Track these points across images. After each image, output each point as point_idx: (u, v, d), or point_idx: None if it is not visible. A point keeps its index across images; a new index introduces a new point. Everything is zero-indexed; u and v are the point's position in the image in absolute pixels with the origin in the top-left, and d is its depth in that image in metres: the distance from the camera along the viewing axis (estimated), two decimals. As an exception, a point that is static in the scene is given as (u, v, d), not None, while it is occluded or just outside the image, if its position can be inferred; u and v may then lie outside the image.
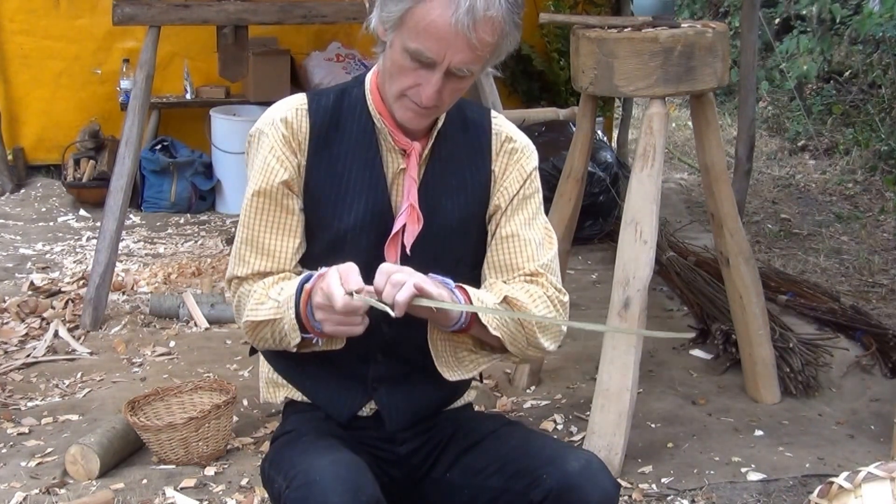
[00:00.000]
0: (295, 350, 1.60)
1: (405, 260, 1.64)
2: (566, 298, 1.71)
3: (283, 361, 1.77)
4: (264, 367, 1.83)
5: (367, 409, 1.74)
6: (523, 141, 1.76)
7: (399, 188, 1.67)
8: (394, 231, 1.65)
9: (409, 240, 1.64)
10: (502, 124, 1.76)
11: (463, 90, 1.61)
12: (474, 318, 1.57)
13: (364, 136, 1.67)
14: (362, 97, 1.68)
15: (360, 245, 1.65)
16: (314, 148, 1.66)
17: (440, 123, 1.69)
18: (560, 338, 1.72)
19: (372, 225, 1.66)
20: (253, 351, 1.86)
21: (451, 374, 1.66)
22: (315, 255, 1.68)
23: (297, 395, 1.78)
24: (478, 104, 1.82)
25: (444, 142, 1.70)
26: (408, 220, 1.64)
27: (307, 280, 1.55)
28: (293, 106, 1.68)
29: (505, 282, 1.70)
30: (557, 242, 1.77)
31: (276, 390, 1.81)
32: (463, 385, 1.83)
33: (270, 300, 1.59)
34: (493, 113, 1.77)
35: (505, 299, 1.62)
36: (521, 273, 1.69)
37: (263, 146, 1.66)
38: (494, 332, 1.59)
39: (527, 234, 1.71)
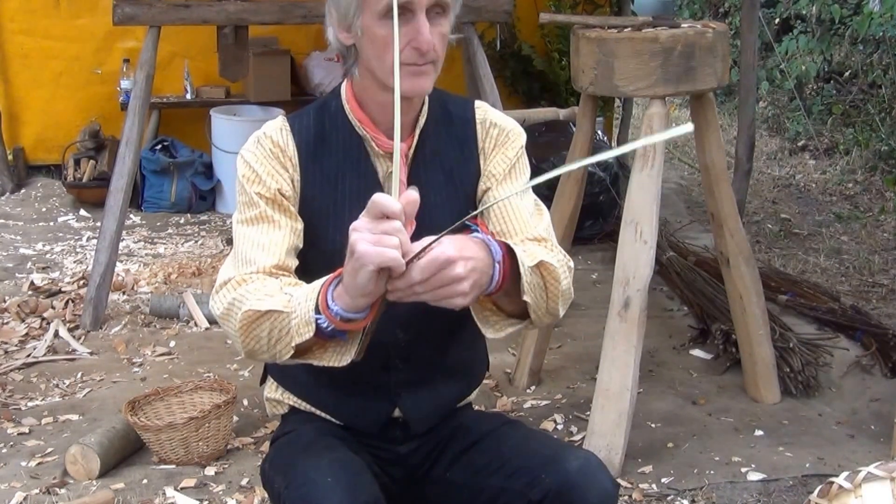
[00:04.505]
0: (287, 357, 1.52)
1: None
2: (572, 264, 1.68)
3: (302, 385, 1.75)
4: (266, 388, 1.82)
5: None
6: (508, 125, 1.74)
7: (392, 192, 1.67)
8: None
9: None
10: (486, 112, 1.75)
11: (446, 36, 1.60)
12: (506, 279, 1.51)
13: (350, 146, 1.67)
14: (341, 109, 1.68)
15: None
16: (304, 164, 1.65)
17: (422, 121, 1.68)
18: (569, 303, 1.67)
19: None
20: (263, 380, 1.85)
21: (487, 332, 1.60)
22: (317, 267, 1.66)
23: (303, 405, 1.78)
24: (460, 97, 1.81)
25: (427, 139, 1.69)
26: None
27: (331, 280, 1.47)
28: (276, 127, 1.67)
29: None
30: (549, 214, 1.75)
31: (280, 406, 1.81)
32: (474, 380, 1.84)
33: (283, 294, 1.51)
34: (478, 103, 1.76)
35: (540, 263, 1.56)
36: (524, 238, 1.66)
37: (253, 163, 1.64)
38: (525, 298, 1.55)
39: (517, 202, 1.69)
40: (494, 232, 1.67)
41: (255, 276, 1.57)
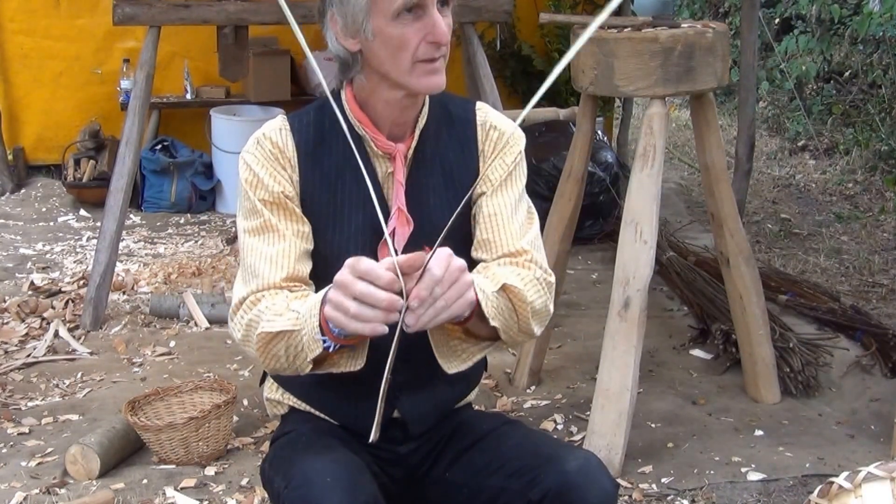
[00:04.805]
0: (308, 370, 1.54)
1: None
2: (552, 279, 1.68)
3: (301, 386, 1.74)
4: (266, 388, 1.82)
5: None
6: (508, 128, 1.74)
7: (391, 193, 1.67)
8: (385, 235, 1.64)
9: (399, 243, 1.64)
10: (487, 113, 1.74)
11: (451, 25, 1.60)
12: (475, 309, 1.54)
13: (350, 146, 1.67)
14: (341, 109, 1.67)
15: (361, 254, 1.64)
16: (304, 164, 1.65)
17: (422, 122, 1.68)
18: (547, 320, 1.69)
19: (371, 233, 1.65)
20: (263, 380, 1.84)
21: (450, 367, 1.65)
22: (316, 269, 1.67)
23: (303, 406, 1.78)
24: (461, 98, 1.81)
25: (427, 140, 1.69)
26: (397, 224, 1.64)
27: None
28: (275, 127, 1.67)
29: (492, 259, 1.67)
30: (539, 222, 1.75)
31: (280, 407, 1.81)
32: (473, 380, 1.83)
33: (291, 311, 1.53)
34: (479, 104, 1.76)
35: (503, 287, 1.58)
36: (506, 251, 1.66)
37: (253, 166, 1.64)
38: (493, 323, 1.56)
39: (509, 213, 1.69)
40: (480, 240, 1.68)
41: (266, 293, 1.58)
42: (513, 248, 1.66)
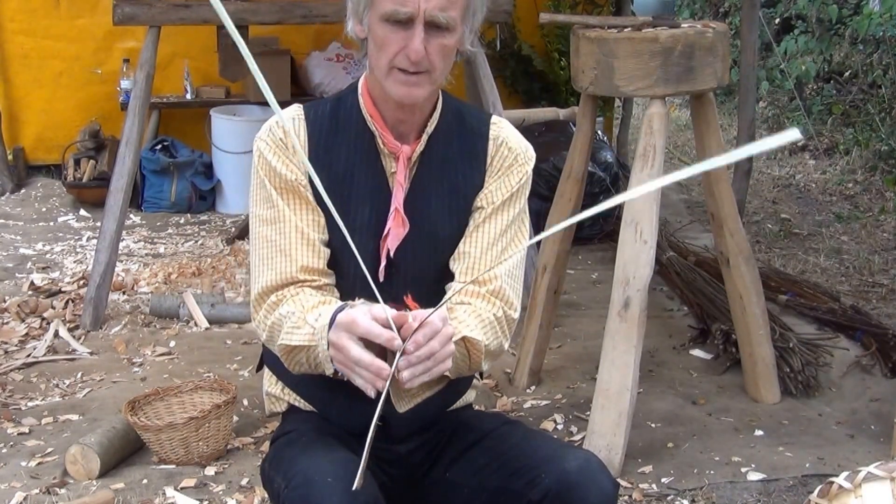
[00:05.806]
0: (332, 375, 1.57)
1: (389, 264, 1.64)
2: (515, 315, 1.70)
3: (292, 378, 1.75)
4: (266, 381, 1.83)
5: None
6: (520, 148, 1.74)
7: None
8: (383, 235, 1.65)
9: (392, 244, 1.65)
10: (501, 130, 1.75)
11: (450, 50, 1.60)
12: None
13: (362, 141, 1.68)
14: (356, 103, 1.69)
15: (363, 251, 1.65)
16: (314, 155, 1.66)
17: (432, 126, 1.69)
18: (500, 356, 1.74)
19: (375, 230, 1.66)
20: (259, 367, 1.85)
21: (400, 406, 1.70)
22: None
23: (302, 404, 1.78)
24: (480, 110, 1.82)
25: (436, 145, 1.69)
26: (392, 225, 1.65)
27: (341, 310, 1.51)
28: (289, 116, 1.69)
29: (461, 280, 1.69)
30: (539, 225, 1.77)
31: (279, 403, 1.81)
32: (462, 386, 1.84)
33: (307, 325, 1.55)
34: (495, 118, 1.76)
35: (463, 339, 1.59)
36: (479, 277, 1.67)
37: (266, 153, 1.66)
38: (446, 374, 1.59)
39: (496, 234, 1.70)
40: (460, 251, 1.70)
41: (286, 292, 1.62)
42: (485, 276, 1.68)
